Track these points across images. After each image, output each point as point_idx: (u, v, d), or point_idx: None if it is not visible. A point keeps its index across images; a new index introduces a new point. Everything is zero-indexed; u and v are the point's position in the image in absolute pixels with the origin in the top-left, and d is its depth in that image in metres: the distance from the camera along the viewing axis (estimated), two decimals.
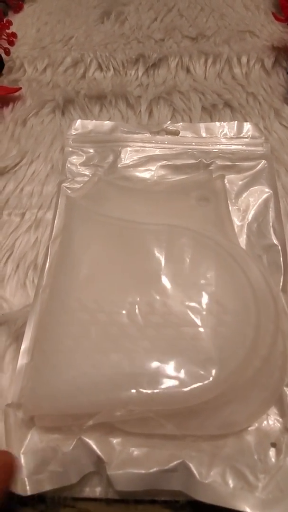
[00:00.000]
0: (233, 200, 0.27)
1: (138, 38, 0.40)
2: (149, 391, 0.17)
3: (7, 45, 0.38)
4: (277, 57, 0.36)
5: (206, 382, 0.17)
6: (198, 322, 0.20)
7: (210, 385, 0.17)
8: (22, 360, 0.21)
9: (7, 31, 0.39)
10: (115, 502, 0.18)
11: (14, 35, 0.39)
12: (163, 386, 0.17)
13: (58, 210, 0.27)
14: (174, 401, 0.17)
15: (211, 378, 0.17)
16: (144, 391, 0.17)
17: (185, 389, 0.17)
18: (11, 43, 0.38)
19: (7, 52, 0.38)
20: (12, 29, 0.40)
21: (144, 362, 0.18)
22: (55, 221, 0.27)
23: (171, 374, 0.18)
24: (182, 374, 0.18)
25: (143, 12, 0.43)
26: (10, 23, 0.40)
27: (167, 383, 0.17)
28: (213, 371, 0.18)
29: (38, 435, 0.19)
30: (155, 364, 0.18)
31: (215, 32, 0.40)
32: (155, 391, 0.17)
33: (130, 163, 0.30)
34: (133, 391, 0.17)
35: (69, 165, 0.30)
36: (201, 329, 0.19)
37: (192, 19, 0.42)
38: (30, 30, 0.42)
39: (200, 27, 0.40)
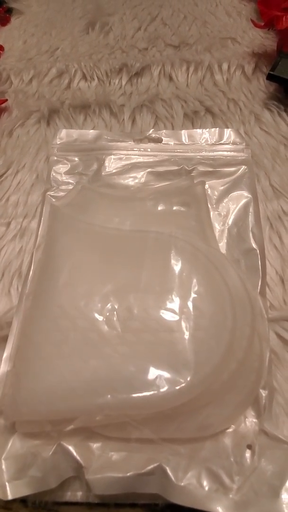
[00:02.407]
0: (214, 205, 0.28)
1: (122, 48, 0.40)
2: (124, 396, 0.18)
3: None
4: (257, 63, 0.37)
5: (180, 386, 0.18)
6: (176, 326, 0.20)
7: (184, 389, 0.18)
8: (4, 367, 0.21)
9: None
10: (96, 506, 0.19)
11: (1, 47, 0.40)
12: (137, 391, 0.18)
13: (42, 218, 0.28)
14: (149, 406, 0.18)
15: (185, 383, 0.18)
16: (120, 396, 0.18)
17: (159, 394, 0.17)
18: None
19: None
20: None
21: (121, 367, 0.19)
22: (39, 229, 0.27)
23: (147, 379, 0.18)
24: (157, 379, 0.18)
25: (127, 22, 0.43)
26: None
27: (142, 388, 0.18)
28: (188, 375, 0.18)
29: (19, 441, 0.19)
30: (131, 369, 0.19)
31: (197, 40, 0.40)
32: (130, 395, 0.18)
33: (114, 171, 0.30)
34: (109, 396, 0.18)
35: (54, 174, 0.30)
36: (178, 334, 0.20)
37: (175, 27, 0.42)
38: (17, 42, 0.43)
39: (182, 35, 0.41)
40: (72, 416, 0.18)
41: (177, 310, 0.21)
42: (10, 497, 0.17)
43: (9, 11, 0.46)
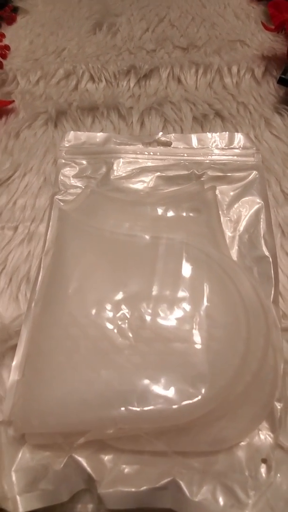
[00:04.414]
0: (225, 211, 0.27)
1: (130, 49, 0.40)
2: (138, 409, 0.17)
3: (0, 58, 0.38)
4: (267, 66, 0.37)
5: (195, 399, 0.17)
6: (189, 336, 0.20)
7: (200, 403, 0.17)
8: (13, 376, 0.21)
9: (0, 44, 0.39)
10: None
11: (7, 47, 0.40)
12: (152, 404, 0.17)
13: (51, 223, 0.27)
14: (164, 419, 0.17)
15: (200, 396, 0.17)
16: (134, 409, 0.17)
17: (174, 407, 0.17)
18: (4, 56, 0.39)
19: (0, 65, 0.38)
20: (5, 41, 0.41)
21: (134, 378, 0.18)
22: (48, 234, 0.27)
23: (161, 392, 0.18)
24: (171, 392, 0.18)
25: (135, 23, 0.43)
26: (3, 36, 0.41)
27: (157, 401, 0.17)
28: (203, 388, 0.18)
29: (29, 453, 0.19)
30: (145, 381, 0.18)
31: (206, 42, 0.40)
32: (145, 409, 0.17)
33: (123, 175, 0.30)
34: (123, 409, 0.17)
35: (62, 177, 0.30)
36: (192, 344, 0.19)
37: (183, 29, 0.42)
38: (23, 42, 0.42)
39: (191, 37, 0.41)
40: (84, 428, 0.18)
41: (190, 320, 0.20)
42: (21, 510, 0.17)
43: (15, 10, 0.46)
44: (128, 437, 0.18)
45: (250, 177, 0.29)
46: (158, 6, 0.45)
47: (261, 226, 0.26)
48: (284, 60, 0.36)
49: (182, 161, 0.30)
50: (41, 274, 0.25)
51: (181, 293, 0.22)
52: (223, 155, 0.30)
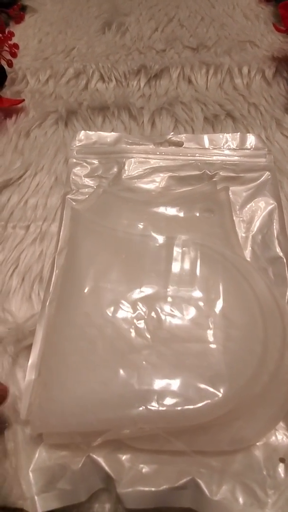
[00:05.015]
0: (238, 212, 0.27)
1: (140, 49, 0.40)
2: (158, 409, 0.17)
3: (9, 57, 0.38)
4: (278, 67, 0.37)
5: (215, 399, 0.17)
6: (206, 337, 0.20)
7: (219, 402, 0.17)
8: (29, 375, 0.21)
9: (9, 42, 0.39)
10: None
11: (16, 46, 0.40)
12: (172, 404, 0.17)
13: (63, 222, 0.27)
14: (183, 419, 0.17)
15: (220, 395, 0.17)
16: (154, 408, 0.17)
17: (194, 407, 0.17)
18: (14, 55, 0.39)
19: (10, 64, 0.38)
20: (14, 40, 0.40)
21: (152, 378, 0.18)
22: (61, 233, 0.27)
23: (180, 391, 0.18)
24: (191, 391, 0.18)
25: (144, 23, 0.43)
26: (12, 34, 0.41)
27: (176, 401, 0.17)
28: (222, 388, 0.18)
29: (47, 452, 0.19)
30: (164, 380, 0.18)
31: (215, 42, 0.40)
32: (164, 408, 0.17)
33: (135, 175, 0.30)
34: (142, 408, 0.17)
35: (73, 177, 0.30)
36: (209, 345, 0.20)
37: (193, 29, 0.42)
38: (32, 41, 0.42)
39: (200, 37, 0.41)
40: (103, 428, 0.18)
41: (206, 320, 0.20)
42: (39, 510, 0.17)
43: (23, 8, 0.46)
44: (146, 437, 0.18)
45: (263, 178, 0.29)
46: (167, 5, 0.45)
47: (274, 227, 0.26)
48: None
49: (194, 162, 0.30)
50: (54, 273, 0.25)
51: (197, 293, 0.22)
52: (235, 155, 0.30)
